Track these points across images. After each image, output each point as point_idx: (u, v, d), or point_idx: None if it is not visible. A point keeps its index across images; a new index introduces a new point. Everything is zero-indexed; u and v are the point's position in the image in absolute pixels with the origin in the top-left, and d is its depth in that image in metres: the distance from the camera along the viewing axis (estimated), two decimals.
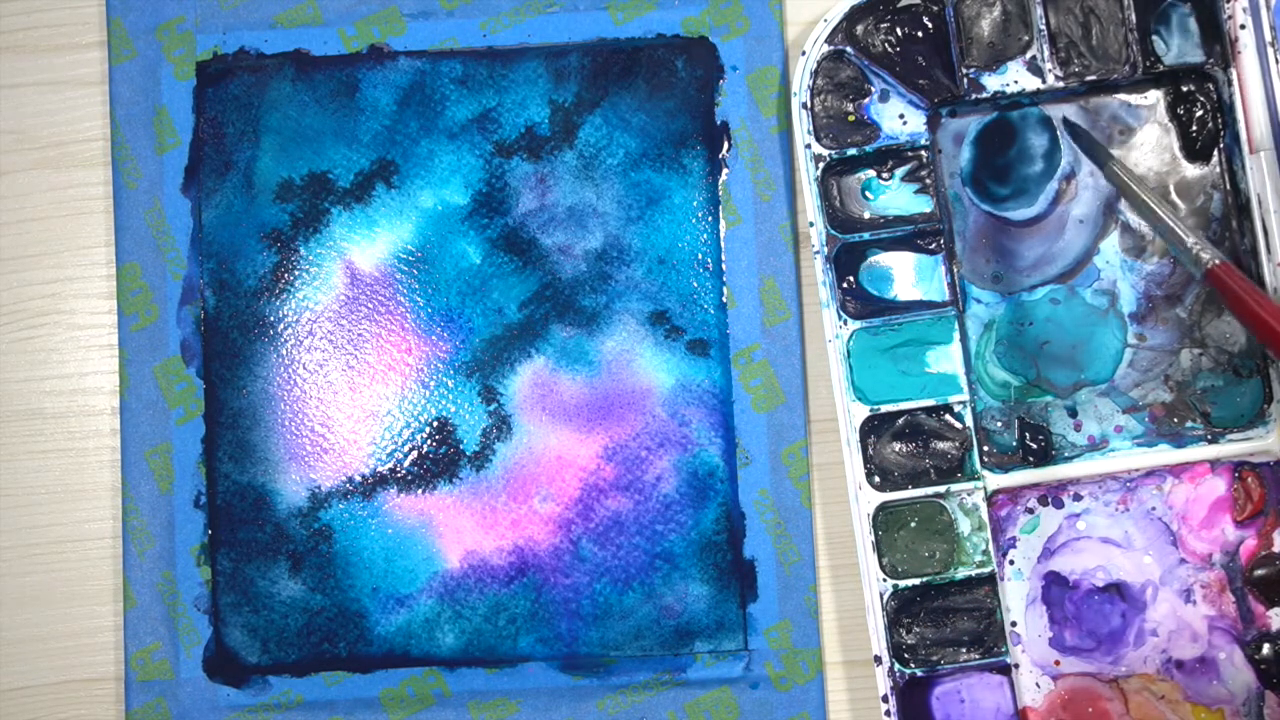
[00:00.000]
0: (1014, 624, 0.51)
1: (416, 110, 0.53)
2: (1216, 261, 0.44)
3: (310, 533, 0.52)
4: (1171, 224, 0.49)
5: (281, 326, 0.53)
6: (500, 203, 0.53)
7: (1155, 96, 0.52)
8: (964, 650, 0.50)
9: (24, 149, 0.54)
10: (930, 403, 0.51)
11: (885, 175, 0.52)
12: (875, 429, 0.51)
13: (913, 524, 0.51)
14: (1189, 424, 0.52)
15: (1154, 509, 0.52)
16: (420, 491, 0.52)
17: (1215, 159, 0.52)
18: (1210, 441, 0.51)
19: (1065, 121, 0.52)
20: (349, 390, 0.53)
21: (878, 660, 0.50)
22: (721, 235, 0.53)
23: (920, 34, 0.52)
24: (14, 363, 0.54)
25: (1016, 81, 0.51)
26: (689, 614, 0.52)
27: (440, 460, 0.52)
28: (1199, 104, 0.52)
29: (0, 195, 0.54)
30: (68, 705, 0.53)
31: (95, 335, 0.54)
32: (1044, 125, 0.52)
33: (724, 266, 0.53)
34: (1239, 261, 0.51)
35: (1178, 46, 0.51)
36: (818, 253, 0.51)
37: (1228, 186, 0.52)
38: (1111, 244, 0.52)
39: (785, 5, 0.53)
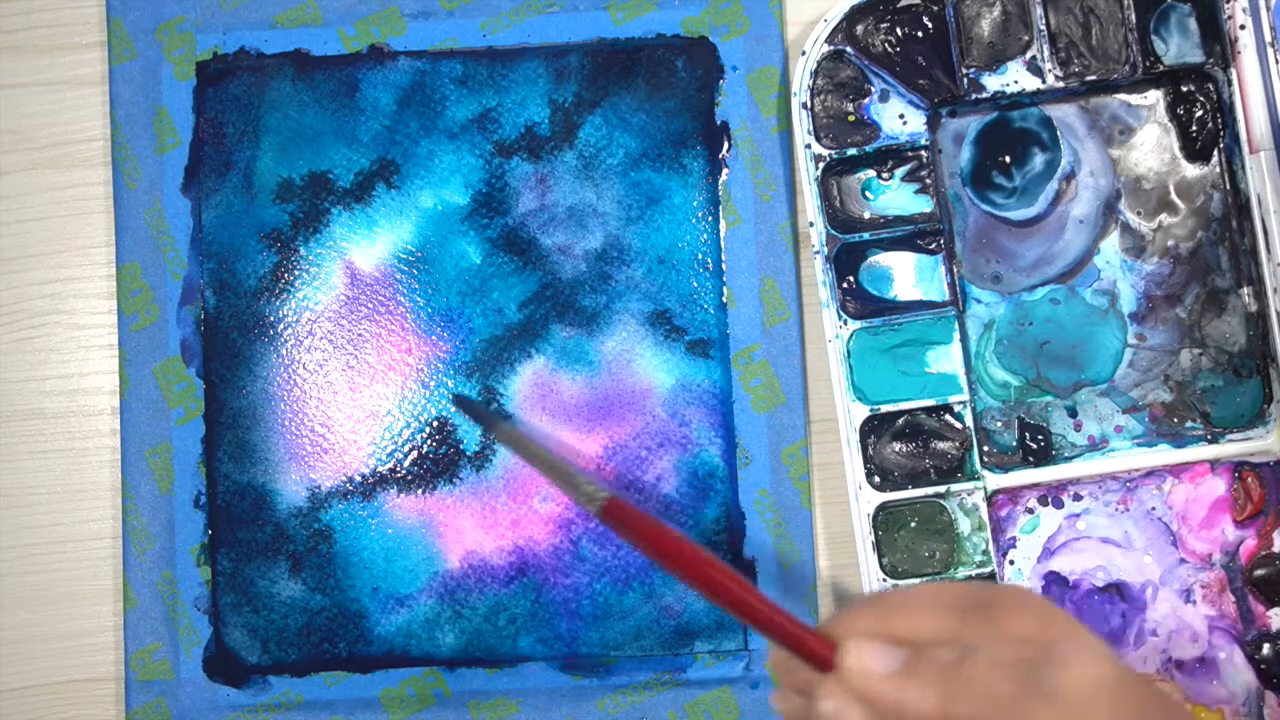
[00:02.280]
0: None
1: (416, 110, 0.53)
2: (606, 498, 0.40)
3: (310, 533, 0.52)
4: (563, 469, 0.44)
5: (281, 326, 0.53)
6: (500, 203, 0.53)
7: (1155, 96, 0.52)
8: None
9: (24, 149, 0.54)
10: (930, 403, 0.51)
11: (885, 175, 0.52)
12: (875, 429, 0.51)
13: (913, 524, 0.51)
14: (1189, 424, 0.52)
15: (1154, 509, 0.52)
16: (420, 492, 0.52)
17: (1215, 159, 0.52)
18: (1210, 441, 0.51)
19: (456, 398, 0.51)
20: (349, 390, 0.53)
21: None
22: (721, 235, 0.53)
23: (920, 34, 0.52)
24: (14, 363, 0.54)
25: (1016, 81, 0.51)
26: (689, 614, 0.52)
27: (440, 460, 0.52)
28: (1199, 104, 0.52)
29: (0, 195, 0.54)
30: (68, 705, 0.53)
31: (95, 335, 0.54)
32: (1044, 125, 0.53)
33: (724, 266, 0.53)
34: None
35: (1178, 46, 0.51)
36: (818, 253, 0.51)
37: (1228, 186, 0.52)
38: (1111, 244, 0.52)
39: (785, 5, 0.53)
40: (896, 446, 0.51)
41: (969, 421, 0.51)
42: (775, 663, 0.36)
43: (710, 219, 0.53)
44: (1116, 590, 0.51)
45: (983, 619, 0.33)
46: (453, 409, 0.52)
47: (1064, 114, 0.52)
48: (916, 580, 0.50)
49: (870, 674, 0.33)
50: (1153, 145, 0.52)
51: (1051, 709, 0.30)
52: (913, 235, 0.52)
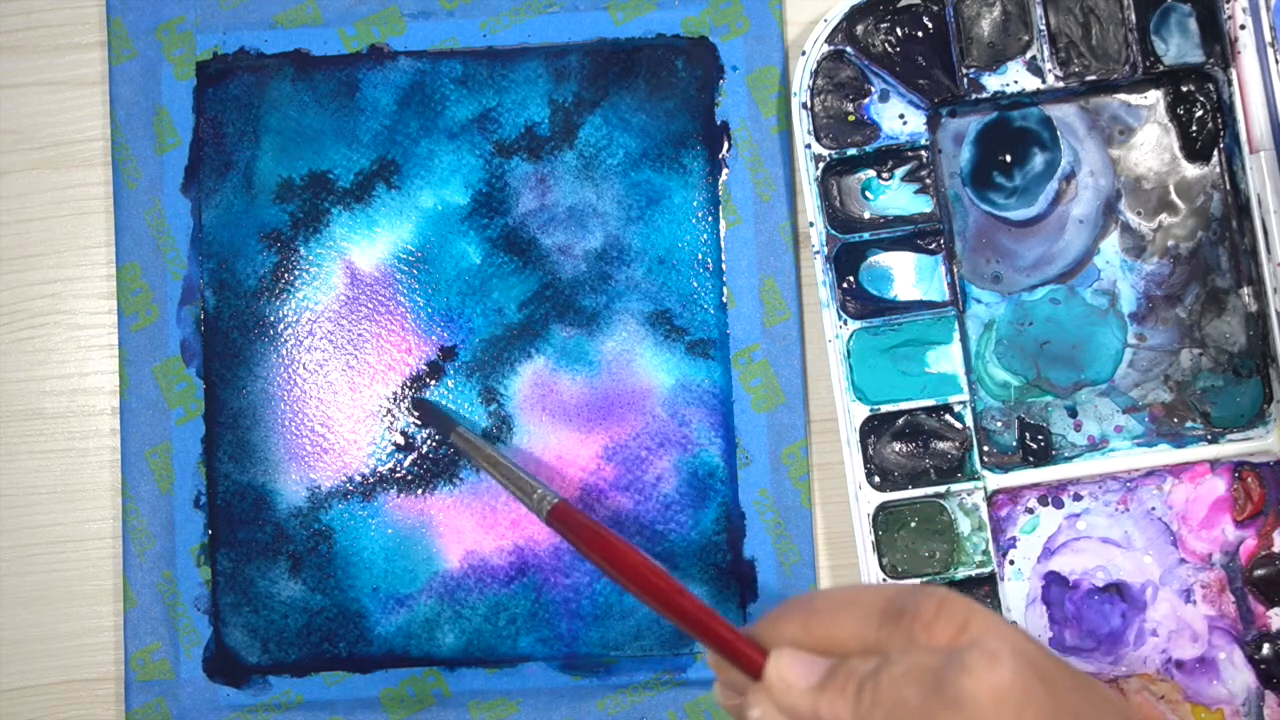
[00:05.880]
0: (1014, 624, 0.51)
1: (416, 110, 0.53)
2: (555, 502, 0.44)
3: (310, 533, 0.52)
4: (515, 474, 0.47)
5: (281, 326, 0.53)
6: (500, 203, 0.53)
7: (1155, 96, 0.52)
8: None
9: (24, 149, 0.54)
10: (930, 403, 0.51)
11: (885, 175, 0.52)
12: (875, 429, 0.51)
13: (913, 524, 0.51)
14: (1189, 424, 0.52)
15: (1154, 509, 0.52)
16: (420, 492, 0.52)
17: (1215, 159, 0.52)
18: (1210, 441, 0.51)
19: (413, 400, 0.52)
20: (349, 390, 0.53)
21: None
22: (721, 235, 0.53)
23: (920, 34, 0.52)
24: (14, 363, 0.54)
25: (1016, 81, 0.51)
26: None
27: (440, 461, 0.52)
28: (1199, 104, 0.52)
29: (0, 195, 0.54)
30: (68, 705, 0.53)
31: (95, 335, 0.54)
32: (1044, 125, 0.53)
33: (724, 266, 0.53)
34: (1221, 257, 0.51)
35: (1178, 46, 0.51)
36: (818, 253, 0.51)
37: (1228, 186, 0.52)
38: (1111, 244, 0.52)
39: (785, 5, 0.53)
40: (896, 446, 0.51)
41: (969, 421, 0.51)
42: (712, 662, 0.38)
43: (710, 219, 0.53)
44: (1116, 590, 0.51)
45: (900, 626, 0.33)
46: (413, 414, 0.52)
47: (1064, 114, 0.52)
48: (916, 581, 0.50)
49: (791, 686, 0.34)
50: (1153, 145, 0.52)
51: (958, 717, 0.31)
52: (913, 235, 0.52)
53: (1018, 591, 0.51)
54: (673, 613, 0.37)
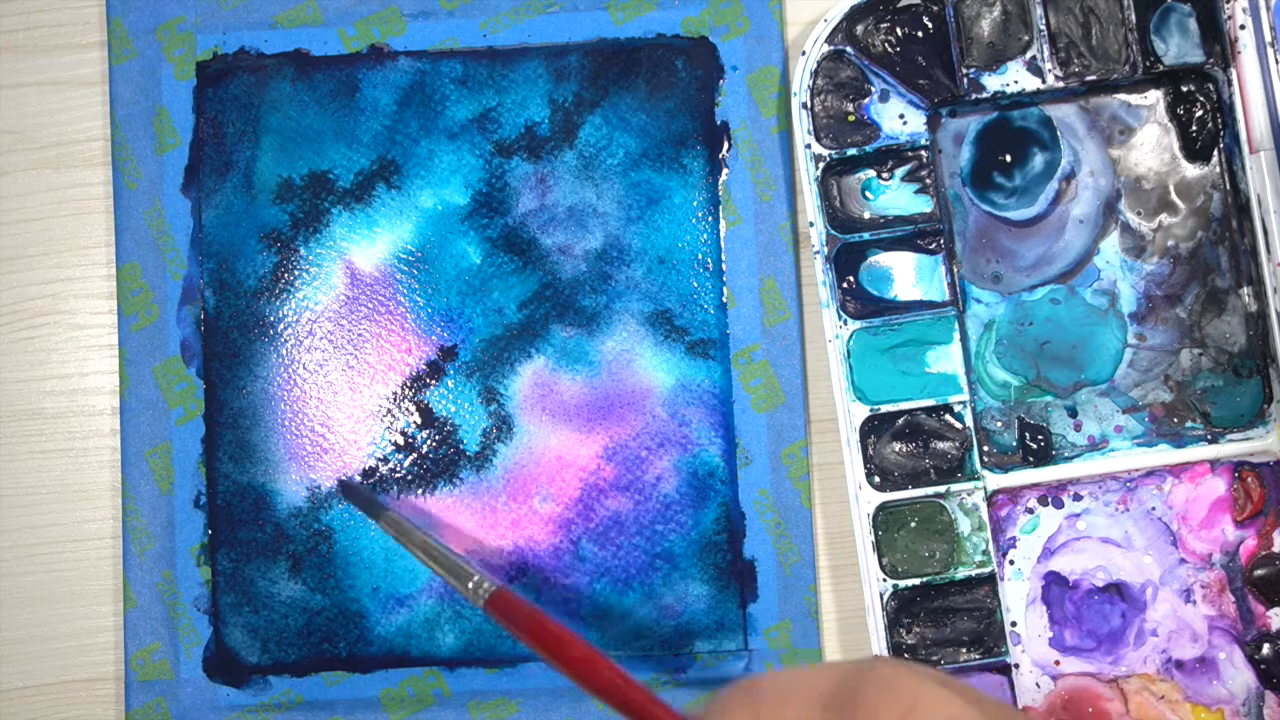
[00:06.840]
0: (1014, 624, 0.51)
1: (416, 110, 0.53)
2: (493, 590, 0.44)
3: (310, 533, 0.52)
4: (449, 560, 0.47)
5: (281, 326, 0.53)
6: (500, 203, 0.53)
7: (1155, 96, 0.52)
8: (964, 650, 0.50)
9: (24, 149, 0.54)
10: (930, 403, 0.51)
11: (885, 175, 0.52)
12: (875, 429, 0.51)
13: (913, 524, 0.51)
14: (1189, 424, 0.52)
15: (1154, 509, 0.52)
16: (420, 492, 0.52)
17: (1215, 159, 0.52)
18: (1210, 441, 0.51)
19: (340, 484, 0.51)
20: (349, 390, 0.53)
21: None
22: (721, 235, 0.53)
23: (920, 34, 0.52)
24: (14, 363, 0.54)
25: (1016, 81, 0.51)
26: (689, 614, 0.52)
27: (440, 461, 0.52)
28: (1199, 104, 0.52)
29: (0, 195, 0.54)
30: (68, 705, 0.53)
31: (95, 335, 0.54)
32: (1044, 125, 0.53)
33: (724, 266, 0.53)
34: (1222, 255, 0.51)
35: (1178, 46, 0.51)
36: (818, 253, 0.51)
37: (1228, 186, 0.52)
38: (1111, 244, 0.52)
39: (785, 5, 0.53)
40: (896, 446, 0.51)
41: (969, 421, 0.51)
42: None
43: (710, 219, 0.53)
44: (1116, 590, 0.51)
45: (845, 714, 0.33)
46: (340, 497, 0.52)
47: (1064, 114, 0.53)
48: (916, 581, 0.50)
49: None
50: (1153, 145, 0.52)
51: None
52: (913, 235, 0.52)
53: (1018, 591, 0.51)
54: (616, 701, 0.37)
